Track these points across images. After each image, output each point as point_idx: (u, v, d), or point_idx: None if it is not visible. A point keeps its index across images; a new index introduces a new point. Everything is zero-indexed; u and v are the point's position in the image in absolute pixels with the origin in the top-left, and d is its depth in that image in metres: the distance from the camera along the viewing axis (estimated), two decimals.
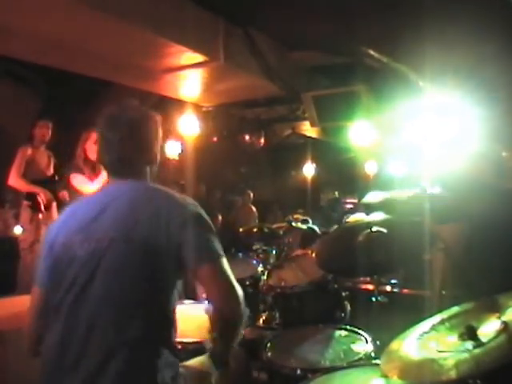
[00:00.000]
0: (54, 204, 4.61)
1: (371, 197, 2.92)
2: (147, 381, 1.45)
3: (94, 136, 3.77)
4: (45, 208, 4.52)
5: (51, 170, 4.76)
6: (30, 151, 4.55)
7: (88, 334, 1.44)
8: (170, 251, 1.50)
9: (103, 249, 1.50)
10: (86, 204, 1.69)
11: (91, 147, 3.94)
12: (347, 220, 7.02)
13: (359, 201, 10.24)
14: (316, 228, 5.02)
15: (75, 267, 1.51)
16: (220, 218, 7.32)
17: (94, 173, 4.02)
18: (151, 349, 1.47)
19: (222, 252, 1.54)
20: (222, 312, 1.49)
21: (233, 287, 1.49)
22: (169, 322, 1.52)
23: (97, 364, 1.41)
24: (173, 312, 1.54)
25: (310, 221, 6.71)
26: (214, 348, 1.63)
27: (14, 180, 4.45)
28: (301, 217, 6.31)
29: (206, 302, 2.70)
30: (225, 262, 1.53)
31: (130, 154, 1.65)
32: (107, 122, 1.67)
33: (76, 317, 1.47)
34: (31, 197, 4.51)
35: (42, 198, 4.50)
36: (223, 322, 1.52)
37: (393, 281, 3.52)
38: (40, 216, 4.51)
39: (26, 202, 4.53)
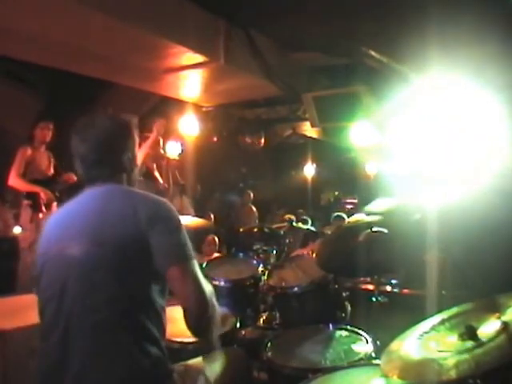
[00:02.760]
0: (55, 204, 4.62)
1: (376, 205, 2.87)
2: (135, 380, 1.47)
3: None
4: (45, 207, 4.53)
5: (51, 170, 4.77)
6: (29, 151, 4.56)
7: (68, 338, 1.47)
8: (141, 251, 1.51)
9: (77, 255, 1.52)
10: (63, 213, 1.73)
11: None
12: (334, 219, 7.05)
13: (359, 201, 10.26)
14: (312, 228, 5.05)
15: (54, 276, 1.55)
16: (212, 216, 7.32)
17: None
18: (137, 348, 1.47)
19: (191, 253, 1.55)
20: (189, 313, 1.51)
21: (200, 290, 1.51)
22: (153, 320, 1.52)
23: (82, 366, 1.44)
24: (158, 310, 1.54)
25: (310, 221, 6.73)
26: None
27: (14, 180, 4.46)
28: (288, 217, 6.29)
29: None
30: (194, 263, 1.54)
31: (99, 163, 1.67)
32: (76, 134, 1.69)
33: (57, 324, 1.50)
34: (32, 196, 4.51)
35: (42, 197, 4.51)
36: (192, 323, 1.52)
37: (393, 281, 3.52)
38: (40, 215, 4.52)
39: (26, 202, 4.53)
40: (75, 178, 4.75)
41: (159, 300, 1.55)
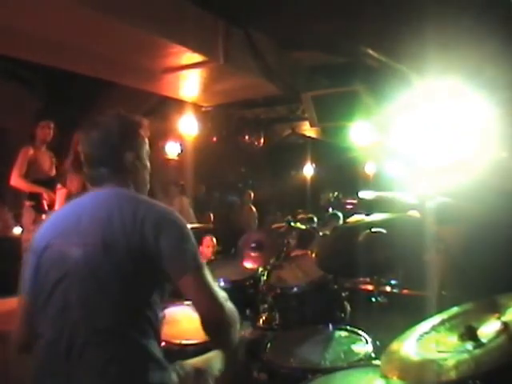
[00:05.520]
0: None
1: (364, 194, 2.93)
2: (134, 382, 1.46)
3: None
4: (48, 208, 4.50)
5: (53, 171, 4.75)
6: (31, 151, 4.53)
7: (71, 338, 1.45)
8: (147, 257, 1.51)
9: (82, 254, 1.51)
10: (66, 212, 1.70)
11: None
12: (328, 218, 6.99)
13: (359, 201, 10.26)
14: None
15: (55, 272, 1.54)
16: (212, 216, 7.32)
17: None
18: (137, 351, 1.47)
19: (201, 261, 1.57)
20: (205, 320, 1.52)
21: (213, 297, 1.53)
22: (152, 323, 1.52)
23: (82, 369, 1.43)
24: (156, 313, 1.55)
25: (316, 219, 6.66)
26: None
27: (17, 180, 4.42)
28: (304, 216, 6.27)
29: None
30: (205, 270, 1.55)
31: (101, 162, 1.66)
32: (83, 133, 1.69)
33: (58, 321, 1.49)
34: (34, 197, 4.49)
35: (45, 198, 4.48)
36: (210, 330, 1.55)
37: (393, 281, 3.52)
38: (43, 216, 4.49)
39: (28, 203, 4.49)
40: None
41: (156, 304, 1.55)
